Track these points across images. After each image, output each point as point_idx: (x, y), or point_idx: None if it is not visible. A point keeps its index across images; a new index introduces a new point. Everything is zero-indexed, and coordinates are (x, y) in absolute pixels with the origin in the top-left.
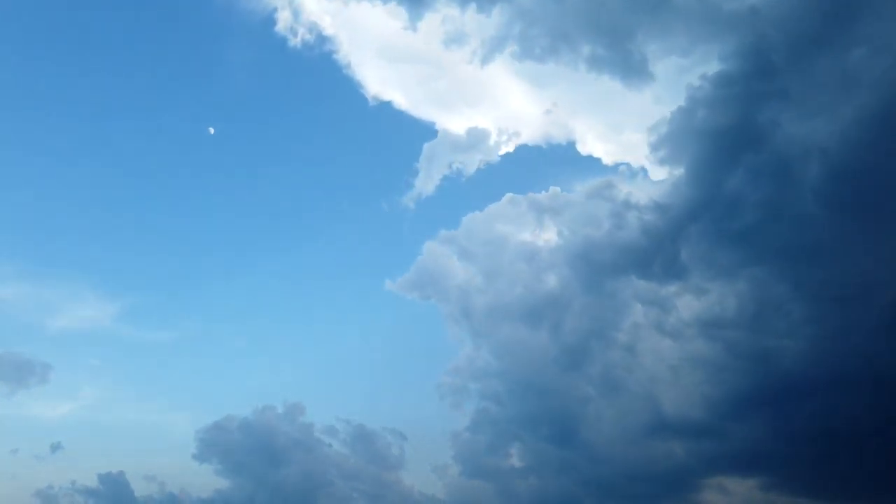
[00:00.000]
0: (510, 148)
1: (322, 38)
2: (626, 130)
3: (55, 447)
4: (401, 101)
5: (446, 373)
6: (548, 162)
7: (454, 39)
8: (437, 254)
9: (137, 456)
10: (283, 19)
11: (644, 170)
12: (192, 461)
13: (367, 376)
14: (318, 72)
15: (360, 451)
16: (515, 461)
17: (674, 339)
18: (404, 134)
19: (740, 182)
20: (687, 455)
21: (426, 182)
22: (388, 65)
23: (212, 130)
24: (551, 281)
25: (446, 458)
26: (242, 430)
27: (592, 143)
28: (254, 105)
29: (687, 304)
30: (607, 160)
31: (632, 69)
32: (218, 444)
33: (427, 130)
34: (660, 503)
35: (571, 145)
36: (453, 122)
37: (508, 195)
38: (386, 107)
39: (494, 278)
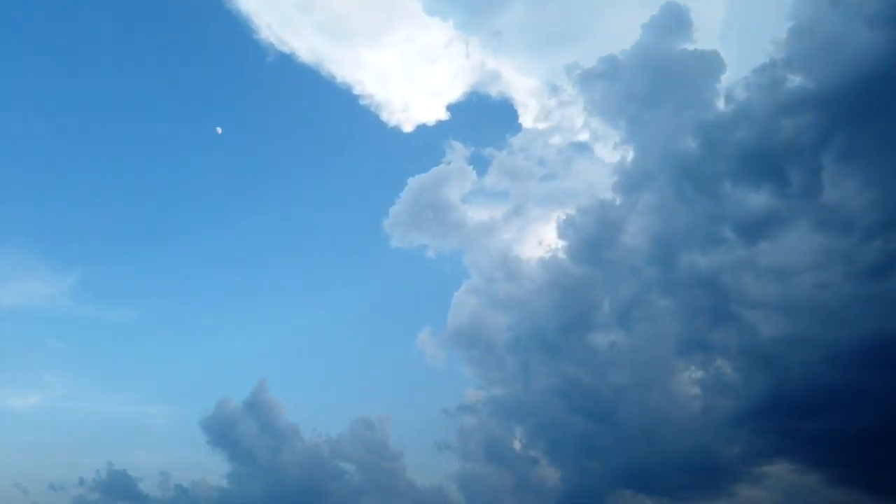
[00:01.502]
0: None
1: None
2: None
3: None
4: (303, 50)
5: (444, 340)
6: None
7: None
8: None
9: (126, 450)
10: None
11: None
12: (182, 456)
13: (358, 356)
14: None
15: (357, 440)
16: (525, 446)
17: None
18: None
19: None
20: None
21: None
22: None
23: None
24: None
25: (447, 442)
26: (231, 424)
27: None
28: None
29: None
30: None
31: None
32: (209, 438)
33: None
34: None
35: None
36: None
37: None
38: (287, 61)
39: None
